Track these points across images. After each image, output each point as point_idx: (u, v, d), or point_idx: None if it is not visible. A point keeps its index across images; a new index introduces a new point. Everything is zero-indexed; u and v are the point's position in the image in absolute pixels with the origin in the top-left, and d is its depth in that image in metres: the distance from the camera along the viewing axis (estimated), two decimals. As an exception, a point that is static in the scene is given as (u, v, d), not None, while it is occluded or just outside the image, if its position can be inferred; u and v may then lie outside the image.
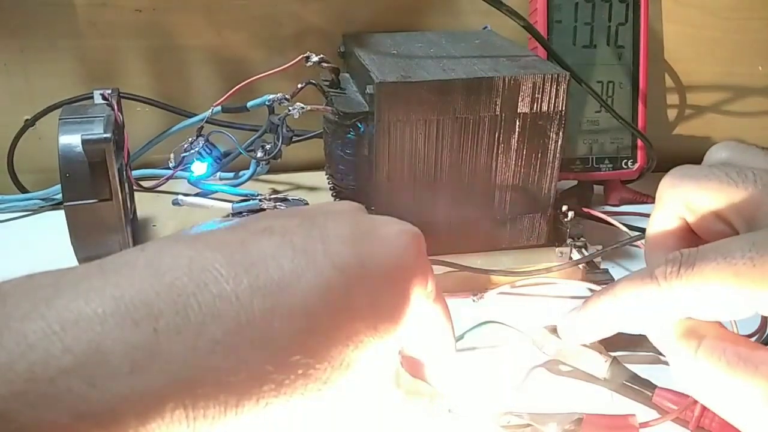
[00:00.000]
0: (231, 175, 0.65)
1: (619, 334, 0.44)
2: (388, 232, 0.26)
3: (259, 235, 0.24)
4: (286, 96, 0.57)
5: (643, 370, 0.43)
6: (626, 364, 0.43)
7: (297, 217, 0.26)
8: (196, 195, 0.61)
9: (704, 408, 0.39)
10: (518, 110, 0.52)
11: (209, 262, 0.22)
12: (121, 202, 0.51)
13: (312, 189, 0.67)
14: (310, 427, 0.24)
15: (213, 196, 0.61)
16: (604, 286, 0.34)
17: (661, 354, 0.45)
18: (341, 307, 0.23)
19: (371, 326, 0.24)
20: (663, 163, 0.69)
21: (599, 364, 0.43)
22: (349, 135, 0.55)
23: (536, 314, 0.51)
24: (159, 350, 0.20)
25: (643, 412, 0.41)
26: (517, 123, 0.53)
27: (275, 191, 0.67)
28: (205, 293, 0.21)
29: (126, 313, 0.20)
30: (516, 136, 0.53)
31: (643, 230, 0.58)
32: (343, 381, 0.24)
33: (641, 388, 0.42)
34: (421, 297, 0.27)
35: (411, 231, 0.27)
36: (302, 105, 0.54)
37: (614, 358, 0.43)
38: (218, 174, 0.64)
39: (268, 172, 0.64)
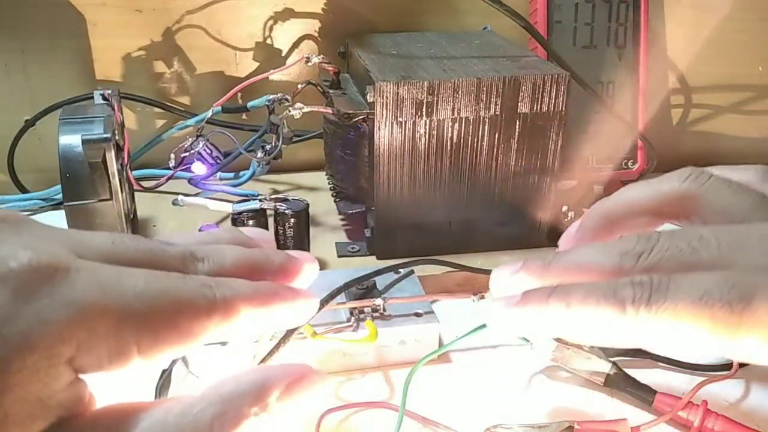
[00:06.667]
0: (231, 175, 0.65)
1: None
2: None
3: None
4: (287, 96, 0.57)
5: (643, 376, 0.43)
6: (626, 369, 0.43)
7: None
8: (196, 195, 0.61)
9: (706, 412, 0.39)
10: (518, 110, 0.52)
11: None
12: (121, 202, 0.51)
13: (312, 189, 0.68)
14: None
15: (213, 196, 0.61)
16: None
17: (661, 360, 0.45)
18: None
19: None
20: (663, 164, 0.69)
21: (599, 370, 0.43)
22: (349, 135, 0.55)
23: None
24: None
25: (644, 418, 0.41)
26: (517, 123, 0.53)
27: (275, 191, 0.67)
28: None
29: None
30: (516, 136, 0.53)
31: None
32: None
33: (642, 394, 0.42)
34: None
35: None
36: (302, 105, 0.54)
37: (614, 363, 0.43)
38: (218, 174, 0.64)
39: (269, 172, 0.64)
